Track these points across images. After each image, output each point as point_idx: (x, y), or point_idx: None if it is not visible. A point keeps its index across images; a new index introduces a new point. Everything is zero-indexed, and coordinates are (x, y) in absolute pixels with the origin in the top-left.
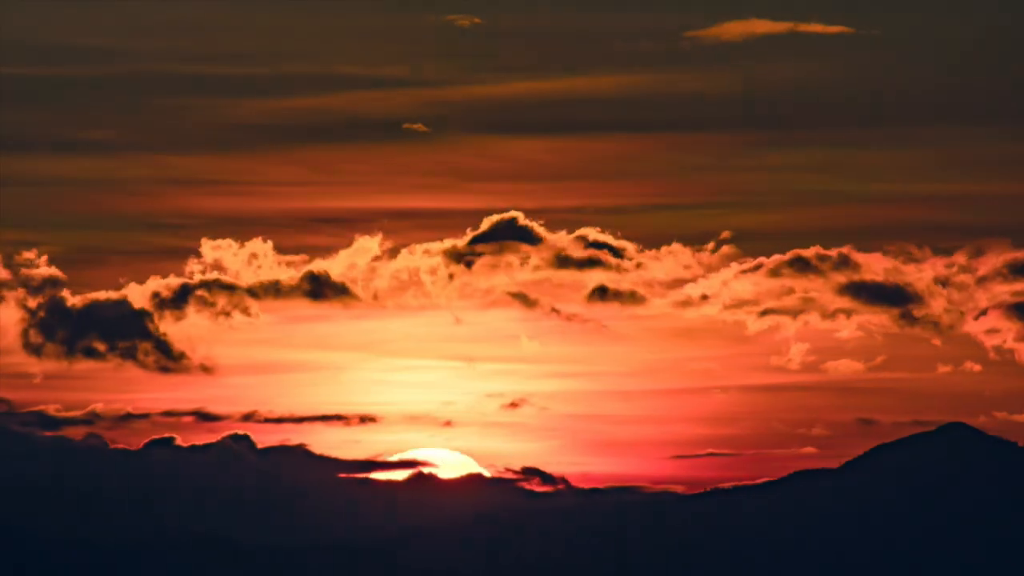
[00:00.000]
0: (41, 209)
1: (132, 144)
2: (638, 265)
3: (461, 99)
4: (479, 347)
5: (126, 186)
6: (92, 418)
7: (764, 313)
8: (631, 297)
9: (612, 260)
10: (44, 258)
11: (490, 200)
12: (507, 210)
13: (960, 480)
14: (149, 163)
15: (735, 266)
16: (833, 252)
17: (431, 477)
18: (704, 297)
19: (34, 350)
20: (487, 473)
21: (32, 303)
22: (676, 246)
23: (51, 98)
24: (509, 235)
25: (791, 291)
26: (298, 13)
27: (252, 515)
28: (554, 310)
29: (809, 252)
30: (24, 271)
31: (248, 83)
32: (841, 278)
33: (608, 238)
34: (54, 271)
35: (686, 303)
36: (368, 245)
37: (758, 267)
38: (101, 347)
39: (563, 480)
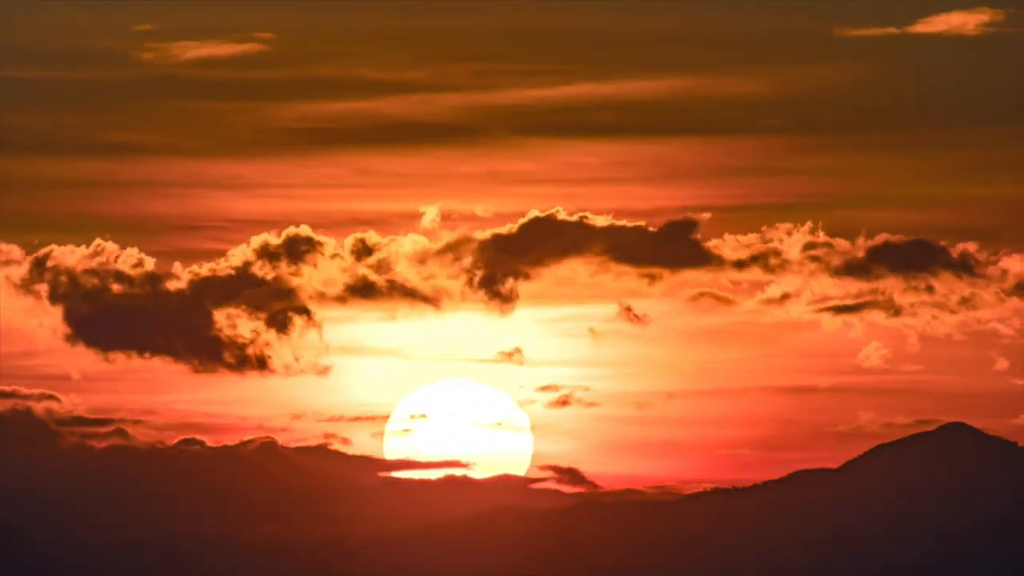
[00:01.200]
0: (76, 211)
1: (168, 147)
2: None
3: (505, 102)
4: (532, 345)
5: (163, 188)
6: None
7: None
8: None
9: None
10: (83, 259)
11: (533, 202)
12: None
13: (960, 480)
14: (186, 166)
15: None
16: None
17: (462, 478)
18: (785, 296)
19: (74, 347)
20: (520, 473)
21: (71, 303)
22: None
23: (83, 101)
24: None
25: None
26: (328, 16)
27: (285, 515)
28: (627, 308)
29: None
30: (61, 274)
31: (287, 87)
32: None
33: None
34: (92, 269)
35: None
36: (416, 246)
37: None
38: (145, 345)
39: (590, 481)
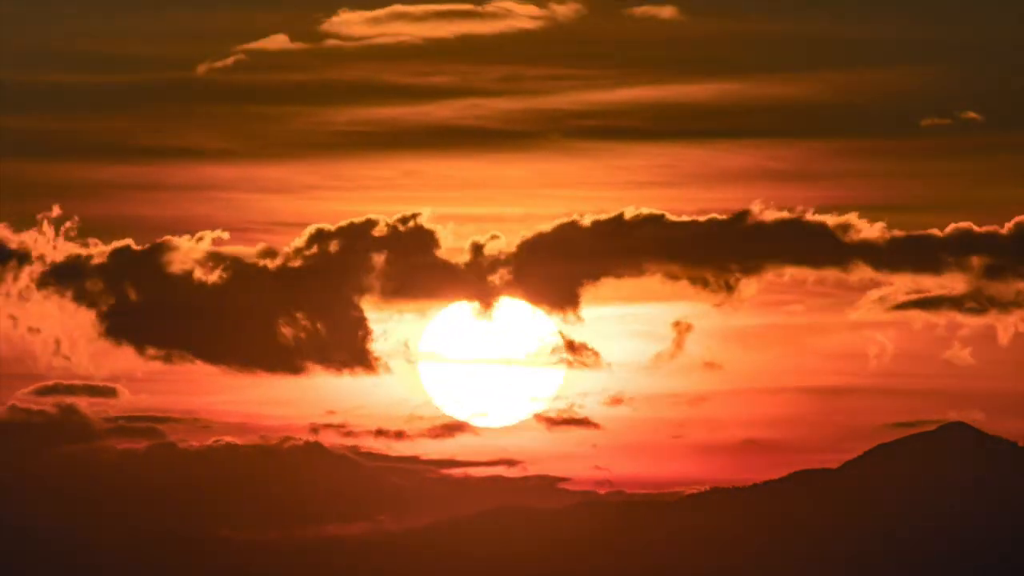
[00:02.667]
0: (126, 213)
1: (220, 151)
2: None
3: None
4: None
5: (214, 191)
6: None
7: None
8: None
9: None
10: (133, 259)
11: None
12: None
13: (960, 480)
14: (239, 169)
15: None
16: None
17: (461, 476)
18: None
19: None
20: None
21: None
22: None
23: (136, 105)
24: None
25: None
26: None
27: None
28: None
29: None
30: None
31: (340, 90)
32: None
33: None
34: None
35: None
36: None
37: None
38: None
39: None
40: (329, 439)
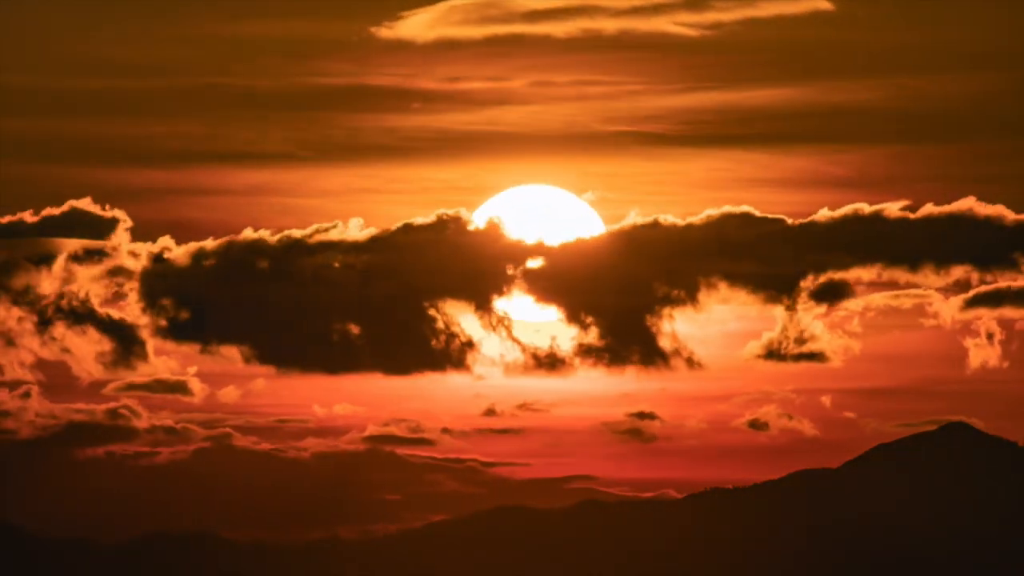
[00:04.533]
0: (191, 217)
1: (290, 154)
2: None
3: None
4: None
5: (290, 194)
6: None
7: None
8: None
9: None
10: (198, 261)
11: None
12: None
13: (960, 480)
14: (300, 172)
15: None
16: None
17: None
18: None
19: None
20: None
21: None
22: None
23: (204, 110)
24: None
25: None
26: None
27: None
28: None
29: None
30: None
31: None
32: None
33: None
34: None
35: None
36: None
37: None
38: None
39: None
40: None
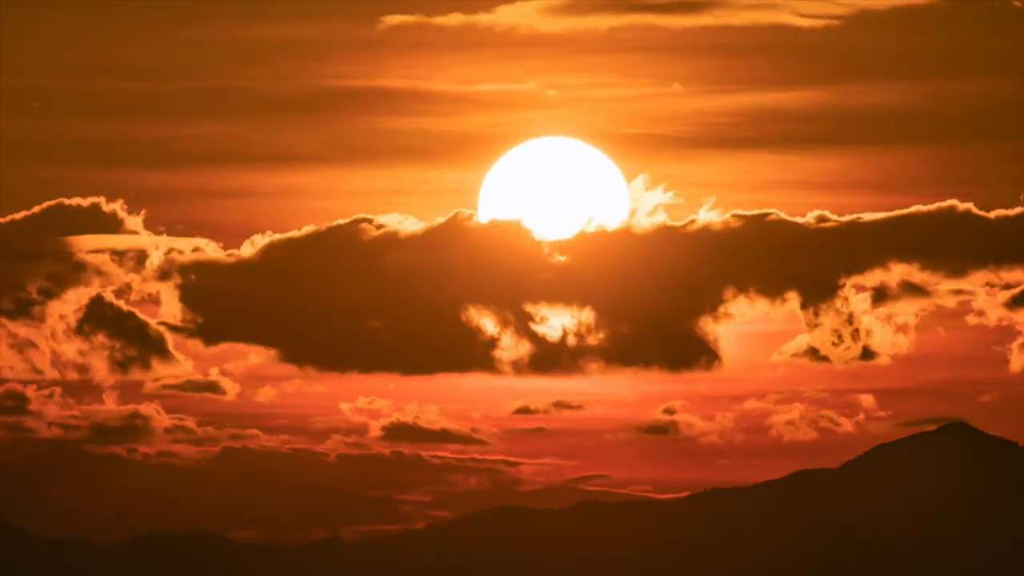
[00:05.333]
0: (227, 219)
1: (312, 156)
2: None
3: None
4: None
5: (336, 197)
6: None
7: None
8: None
9: None
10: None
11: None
12: None
13: (960, 480)
14: (330, 174)
15: None
16: None
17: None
18: None
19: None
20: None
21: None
22: None
23: (249, 113)
24: None
25: None
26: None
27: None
28: None
29: None
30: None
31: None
32: None
33: None
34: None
35: None
36: None
37: None
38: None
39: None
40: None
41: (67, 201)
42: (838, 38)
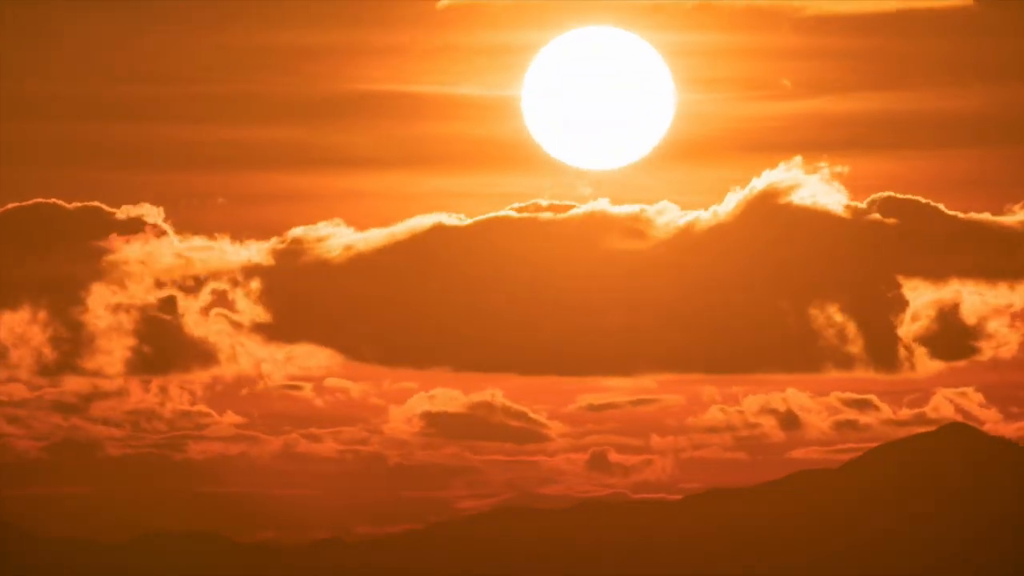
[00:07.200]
0: (277, 221)
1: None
2: None
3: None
4: None
5: (385, 200)
6: None
7: None
8: None
9: None
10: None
11: None
12: None
13: (960, 480)
14: (388, 177)
15: None
16: None
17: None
18: None
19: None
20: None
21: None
22: None
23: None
24: None
25: None
26: None
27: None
28: None
29: None
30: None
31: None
32: None
33: None
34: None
35: None
36: None
37: None
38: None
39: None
40: None
41: (114, 203)
42: None
